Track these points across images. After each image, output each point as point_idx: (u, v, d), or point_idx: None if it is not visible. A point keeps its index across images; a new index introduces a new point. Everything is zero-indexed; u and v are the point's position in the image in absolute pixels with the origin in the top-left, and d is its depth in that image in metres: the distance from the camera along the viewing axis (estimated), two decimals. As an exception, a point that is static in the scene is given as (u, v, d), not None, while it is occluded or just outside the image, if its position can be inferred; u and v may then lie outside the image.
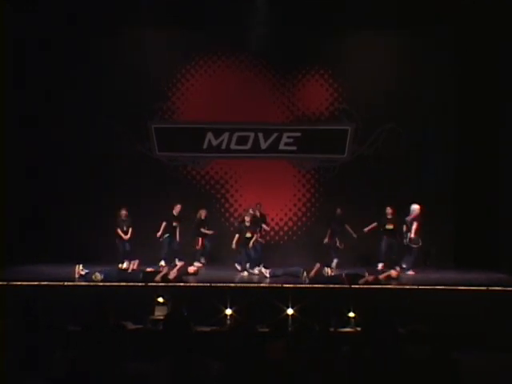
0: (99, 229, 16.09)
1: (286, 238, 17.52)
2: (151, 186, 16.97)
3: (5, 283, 11.94)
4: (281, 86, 17.49)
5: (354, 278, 12.78)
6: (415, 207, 15.04)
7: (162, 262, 15.31)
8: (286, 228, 17.53)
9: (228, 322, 11.15)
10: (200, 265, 15.61)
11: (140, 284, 12.39)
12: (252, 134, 17.39)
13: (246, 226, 15.38)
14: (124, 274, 13.46)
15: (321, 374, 5.38)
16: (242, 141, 17.41)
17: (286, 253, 16.71)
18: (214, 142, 17.41)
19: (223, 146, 17.44)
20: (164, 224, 15.74)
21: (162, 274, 12.93)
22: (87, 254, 15.29)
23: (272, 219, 17.22)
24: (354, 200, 16.63)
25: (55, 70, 16.46)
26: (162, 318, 10.61)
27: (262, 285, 13.01)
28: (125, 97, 16.91)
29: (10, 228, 14.78)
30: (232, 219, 17.23)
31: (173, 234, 15.87)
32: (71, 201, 16.77)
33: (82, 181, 16.84)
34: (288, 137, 17.42)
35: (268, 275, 13.93)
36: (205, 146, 17.44)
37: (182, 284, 12.60)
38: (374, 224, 15.58)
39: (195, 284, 12.87)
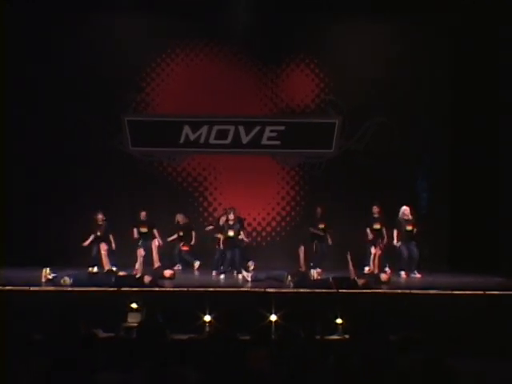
0: (68, 230, 16.03)
1: (268, 239, 17.53)
2: (123, 183, 16.92)
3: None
4: (263, 75, 17.49)
5: (342, 282, 12.79)
6: (405, 208, 15.21)
7: (137, 265, 15.24)
8: (268, 228, 17.54)
9: (207, 329, 11.12)
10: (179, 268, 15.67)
11: (112, 289, 12.33)
12: (232, 128, 17.38)
13: (229, 225, 15.39)
14: (95, 279, 13.39)
15: (306, 385, 5.39)
16: (221, 135, 17.39)
17: (268, 255, 16.70)
18: (192, 136, 17.37)
19: (201, 141, 17.41)
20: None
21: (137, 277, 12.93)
22: (55, 256, 15.16)
23: (254, 219, 17.25)
24: (342, 198, 16.68)
25: (18, 59, 16.28)
26: (135, 325, 10.55)
27: (243, 289, 12.99)
28: (95, 87, 16.83)
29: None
30: (211, 219, 17.19)
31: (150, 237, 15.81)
32: (37, 200, 16.64)
33: (48, 179, 16.72)
34: (271, 130, 17.43)
35: (250, 279, 13.92)
36: (181, 141, 17.41)
37: (157, 289, 12.54)
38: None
39: (171, 289, 12.82)
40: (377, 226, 15.77)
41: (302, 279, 13.36)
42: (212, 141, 17.42)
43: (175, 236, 16.38)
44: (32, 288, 12.17)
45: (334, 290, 12.40)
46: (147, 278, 12.88)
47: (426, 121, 17.16)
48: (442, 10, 16.35)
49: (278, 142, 17.47)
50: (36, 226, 16.52)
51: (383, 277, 13.73)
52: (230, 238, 15.35)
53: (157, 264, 14.27)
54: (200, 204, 17.47)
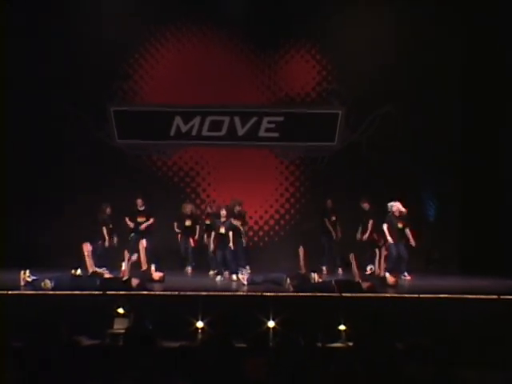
0: (49, 229, 16.03)
1: (266, 238, 17.56)
2: (110, 178, 16.89)
3: None
4: (261, 62, 17.51)
5: (345, 285, 12.80)
6: (394, 204, 15.21)
7: (123, 266, 15.24)
8: (266, 227, 17.57)
9: (199, 336, 11.13)
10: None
11: (97, 292, 12.32)
12: (227, 119, 17.40)
13: (221, 222, 15.41)
14: (78, 281, 13.38)
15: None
16: (215, 126, 17.40)
17: (266, 256, 16.72)
18: (184, 128, 17.38)
19: (194, 133, 17.43)
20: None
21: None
22: (35, 257, 15.13)
23: (250, 217, 17.22)
24: (345, 195, 16.66)
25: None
26: (122, 331, 10.54)
27: (238, 293, 13.01)
28: (79, 75, 16.79)
29: None
30: (204, 217, 17.16)
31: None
32: (16, 197, 16.56)
33: (28, 172, 16.68)
34: (269, 122, 17.44)
35: (246, 282, 13.93)
36: (172, 133, 17.43)
37: (145, 292, 12.55)
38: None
39: (161, 292, 12.84)
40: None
41: (302, 282, 13.36)
42: (205, 133, 17.43)
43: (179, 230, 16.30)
44: (10, 292, 12.17)
45: (337, 294, 12.41)
46: (135, 281, 12.88)
47: (435, 111, 17.13)
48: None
49: (276, 134, 17.48)
50: (14, 225, 16.44)
51: (390, 280, 13.74)
52: (221, 235, 15.37)
53: (144, 266, 14.29)
54: (192, 201, 17.40)
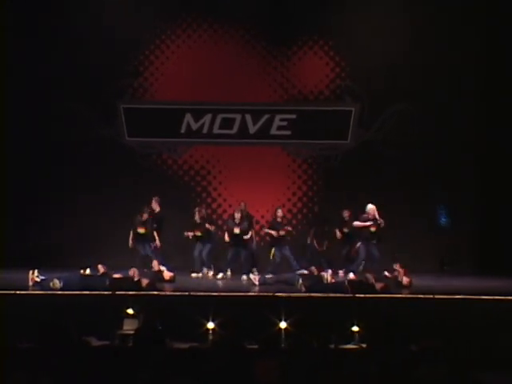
0: (58, 228, 16.07)
1: (278, 238, 17.51)
2: (120, 177, 16.90)
3: None
4: (273, 59, 17.48)
5: (359, 286, 12.79)
6: (371, 207, 15.26)
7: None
8: (278, 227, 17.53)
9: (210, 337, 11.14)
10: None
11: (106, 293, 12.35)
12: (239, 116, 17.38)
13: (235, 223, 15.44)
14: (87, 281, 13.40)
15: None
16: (226, 124, 17.39)
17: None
18: (194, 126, 17.38)
19: (205, 130, 17.42)
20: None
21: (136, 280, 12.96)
22: (44, 257, 15.18)
23: (262, 216, 17.20)
24: (359, 195, 16.59)
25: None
26: (131, 332, 10.56)
27: (250, 294, 13.01)
28: (88, 72, 16.81)
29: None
30: (215, 216, 17.17)
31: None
32: (25, 196, 16.64)
33: (37, 172, 16.73)
34: (281, 119, 17.42)
35: (257, 282, 13.94)
36: (183, 130, 17.42)
37: (155, 293, 12.57)
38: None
39: (171, 293, 12.86)
40: (346, 230, 15.94)
41: (315, 282, 13.38)
42: (216, 130, 17.42)
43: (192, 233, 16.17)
44: (18, 292, 12.20)
45: (350, 295, 12.40)
46: (145, 281, 12.91)
47: (451, 108, 17.06)
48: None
49: (288, 132, 17.46)
50: (23, 225, 16.51)
51: (404, 280, 13.71)
52: (235, 235, 15.41)
53: (156, 267, 14.33)
54: (203, 200, 17.42)
